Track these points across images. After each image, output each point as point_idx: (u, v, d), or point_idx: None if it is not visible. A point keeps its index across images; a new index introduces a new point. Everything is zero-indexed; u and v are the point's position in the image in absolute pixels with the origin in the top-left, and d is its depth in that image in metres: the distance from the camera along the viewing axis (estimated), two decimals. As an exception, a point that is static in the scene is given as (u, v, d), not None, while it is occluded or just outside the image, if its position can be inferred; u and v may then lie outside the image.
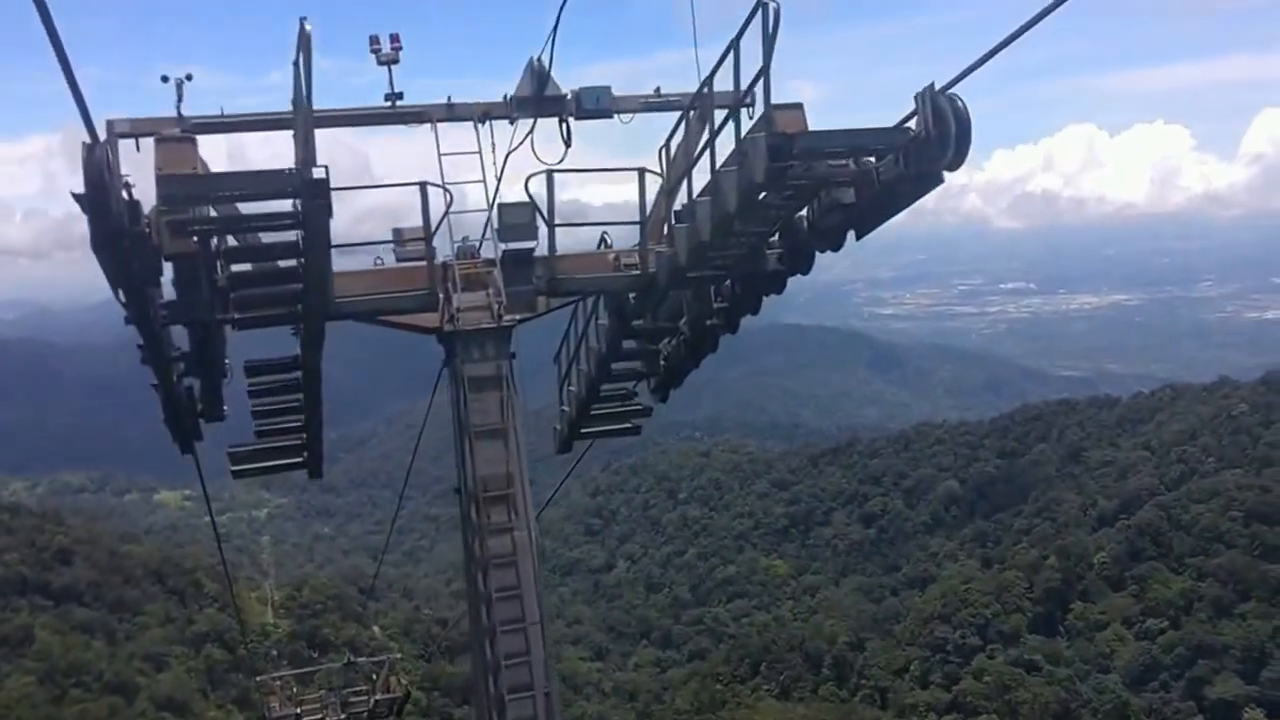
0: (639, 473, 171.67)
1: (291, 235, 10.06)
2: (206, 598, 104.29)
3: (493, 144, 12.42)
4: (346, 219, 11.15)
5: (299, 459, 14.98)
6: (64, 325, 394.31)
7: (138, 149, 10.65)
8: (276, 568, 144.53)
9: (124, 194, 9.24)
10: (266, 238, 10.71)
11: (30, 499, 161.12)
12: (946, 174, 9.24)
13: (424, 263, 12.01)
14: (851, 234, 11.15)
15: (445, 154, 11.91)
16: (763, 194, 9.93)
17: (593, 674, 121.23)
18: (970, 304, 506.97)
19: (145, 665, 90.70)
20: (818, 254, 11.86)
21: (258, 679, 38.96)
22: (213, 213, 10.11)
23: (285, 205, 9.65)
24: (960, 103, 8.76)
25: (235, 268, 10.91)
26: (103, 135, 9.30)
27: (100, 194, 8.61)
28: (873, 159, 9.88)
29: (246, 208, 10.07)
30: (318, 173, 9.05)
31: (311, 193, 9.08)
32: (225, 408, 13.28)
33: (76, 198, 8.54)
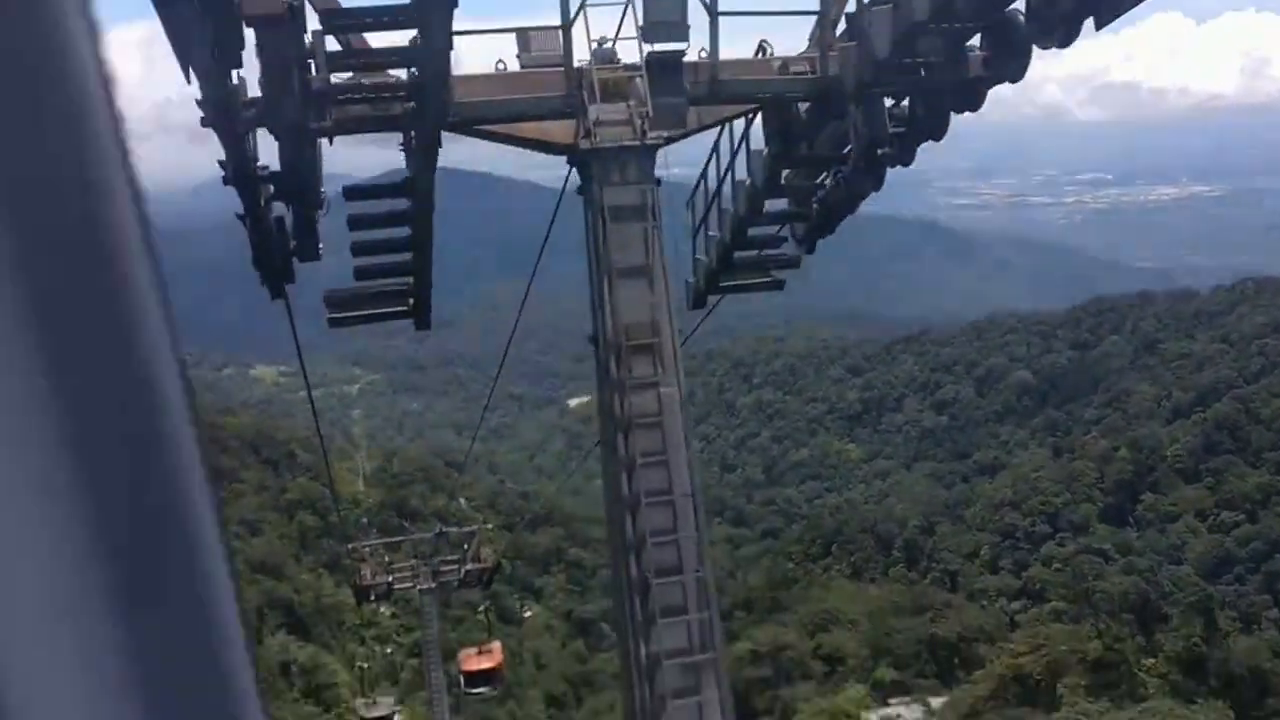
0: (714, 358, 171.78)
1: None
2: (300, 467, 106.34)
3: None
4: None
5: (404, 307, 13.34)
6: (164, 210, 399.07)
7: None
8: (367, 440, 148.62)
9: None
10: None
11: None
12: None
13: (558, 68, 10.23)
14: (1089, 23, 9.21)
15: None
16: None
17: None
18: (1047, 195, 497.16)
19: (241, 529, 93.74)
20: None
21: (350, 546, 39.98)
22: None
23: None
24: None
25: (331, 50, 9.01)
26: None
27: None
28: None
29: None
30: None
31: None
32: (320, 246, 11.46)
33: None
